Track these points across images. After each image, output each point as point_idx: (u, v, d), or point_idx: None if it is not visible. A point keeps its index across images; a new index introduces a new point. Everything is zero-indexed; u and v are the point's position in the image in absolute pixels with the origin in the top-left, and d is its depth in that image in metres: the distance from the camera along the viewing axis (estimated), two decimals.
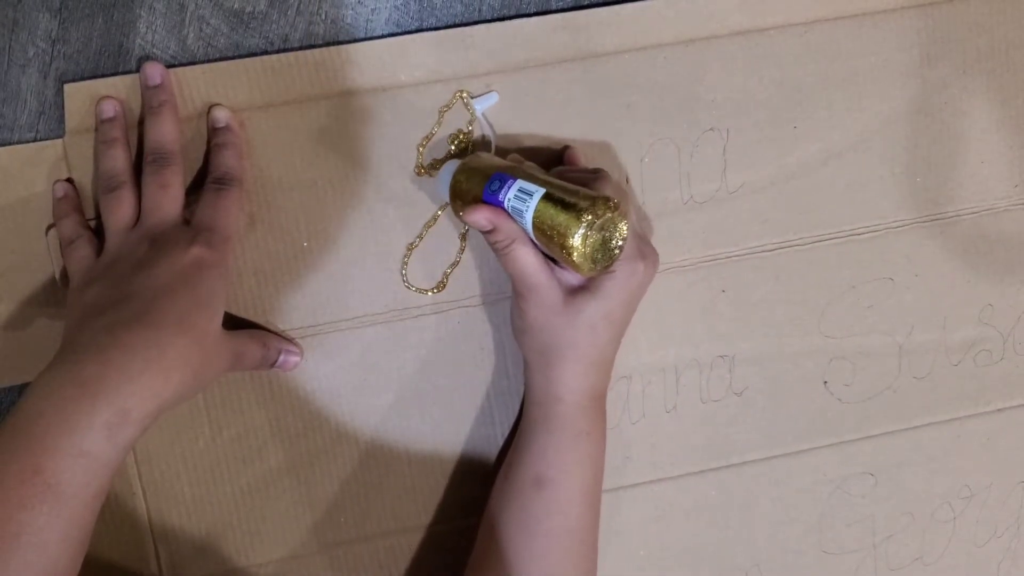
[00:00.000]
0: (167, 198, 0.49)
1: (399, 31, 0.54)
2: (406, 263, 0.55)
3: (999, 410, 0.61)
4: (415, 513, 0.57)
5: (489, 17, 0.55)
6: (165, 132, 0.50)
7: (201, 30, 0.53)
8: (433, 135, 0.54)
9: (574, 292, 0.50)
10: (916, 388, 0.60)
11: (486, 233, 0.49)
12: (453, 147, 0.54)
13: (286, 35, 0.54)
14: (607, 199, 0.46)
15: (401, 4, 0.54)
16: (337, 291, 0.55)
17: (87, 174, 0.52)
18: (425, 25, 0.55)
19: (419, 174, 0.54)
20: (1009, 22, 0.58)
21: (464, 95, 0.53)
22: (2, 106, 0.52)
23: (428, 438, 0.56)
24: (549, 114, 0.55)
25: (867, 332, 0.59)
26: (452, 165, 0.52)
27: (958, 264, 0.60)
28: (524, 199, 0.47)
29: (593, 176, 0.50)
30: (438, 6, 0.55)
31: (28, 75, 0.52)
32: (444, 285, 0.56)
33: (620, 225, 0.47)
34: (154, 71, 0.51)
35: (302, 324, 0.55)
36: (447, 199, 0.52)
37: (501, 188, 0.48)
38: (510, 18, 0.55)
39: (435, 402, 0.56)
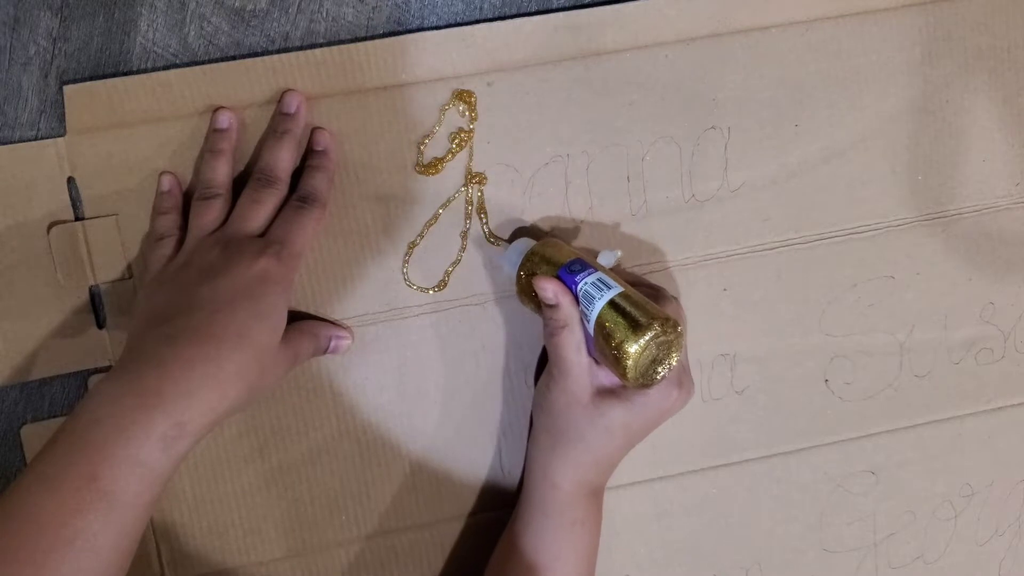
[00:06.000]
0: (255, 213, 0.50)
1: (400, 29, 0.54)
2: (407, 262, 0.55)
3: (1000, 408, 0.61)
4: (416, 511, 0.57)
5: (490, 16, 0.55)
6: (281, 158, 0.51)
7: (202, 28, 0.53)
8: (434, 133, 0.54)
9: (603, 393, 0.51)
10: (917, 386, 0.60)
11: (546, 307, 0.50)
12: (454, 145, 0.54)
13: (287, 33, 0.54)
14: (676, 324, 0.47)
15: (402, 2, 0.54)
16: (338, 290, 0.55)
17: (88, 174, 0.52)
18: (426, 24, 0.55)
19: (419, 172, 0.54)
20: (1010, 20, 0.58)
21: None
22: (3, 104, 0.52)
23: (429, 437, 0.56)
24: (550, 113, 0.55)
25: (868, 330, 0.59)
26: (524, 244, 0.53)
27: (959, 262, 0.60)
28: (601, 289, 0.49)
29: (665, 299, 0.52)
30: (439, 4, 0.55)
31: (29, 73, 0.52)
32: (445, 284, 0.56)
33: (675, 353, 0.48)
34: (292, 100, 0.52)
35: None
36: (511, 271, 0.53)
37: (581, 271, 0.50)
38: (511, 17, 0.54)
39: (436, 401, 0.56)
